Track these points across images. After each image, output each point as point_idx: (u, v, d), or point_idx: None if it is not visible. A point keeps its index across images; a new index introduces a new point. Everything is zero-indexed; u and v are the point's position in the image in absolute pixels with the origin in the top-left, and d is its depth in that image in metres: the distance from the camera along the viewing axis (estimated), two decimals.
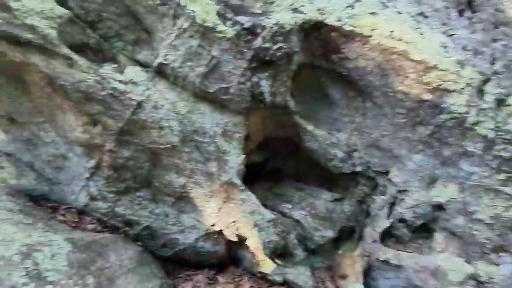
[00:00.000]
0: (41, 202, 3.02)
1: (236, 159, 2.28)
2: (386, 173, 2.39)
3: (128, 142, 2.27)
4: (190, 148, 2.26)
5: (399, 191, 2.32)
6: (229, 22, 2.03)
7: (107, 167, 2.48)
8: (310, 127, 2.33)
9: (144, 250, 2.89)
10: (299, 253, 2.58)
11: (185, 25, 1.95)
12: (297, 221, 2.63)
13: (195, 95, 2.15)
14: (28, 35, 1.86)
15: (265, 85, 2.12)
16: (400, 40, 2.06)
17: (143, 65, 2.13)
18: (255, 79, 2.10)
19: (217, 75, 2.06)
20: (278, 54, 2.07)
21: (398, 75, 2.09)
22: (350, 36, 2.09)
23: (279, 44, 2.06)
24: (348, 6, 2.12)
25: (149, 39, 2.10)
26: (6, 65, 2.08)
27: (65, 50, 1.90)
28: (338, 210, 2.68)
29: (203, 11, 1.98)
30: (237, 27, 2.02)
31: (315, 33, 2.15)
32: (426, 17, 2.20)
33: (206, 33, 1.98)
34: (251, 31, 2.03)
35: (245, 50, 2.03)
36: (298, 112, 2.32)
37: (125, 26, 2.09)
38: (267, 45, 2.04)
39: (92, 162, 2.49)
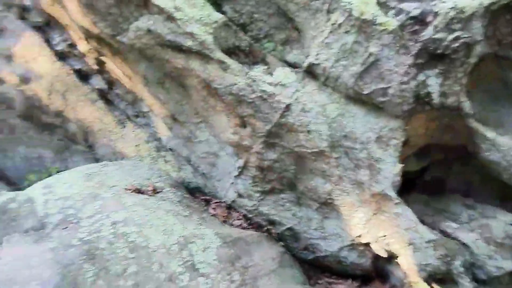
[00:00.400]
0: (196, 195, 3.30)
1: (391, 168, 2.01)
2: None
3: (275, 145, 2.23)
4: (338, 154, 2.09)
5: None
6: (391, 12, 1.76)
7: (253, 167, 2.51)
8: (490, 134, 1.88)
9: (285, 251, 2.86)
10: (466, 283, 2.15)
11: (340, 19, 1.78)
12: (464, 244, 2.19)
13: (348, 97, 1.96)
14: (189, 42, 1.96)
15: (433, 84, 1.78)
16: None
17: (293, 65, 2.05)
18: (421, 77, 1.78)
19: (374, 74, 1.83)
20: (454, 45, 1.70)
21: None
22: None
23: (456, 33, 1.68)
24: None
25: (299, 38, 1.99)
26: (170, 71, 2.26)
27: (219, 55, 1.95)
28: None
29: (361, 2, 1.76)
30: (402, 16, 1.74)
31: (507, 15, 1.69)
32: None
33: (363, 27, 1.77)
34: (420, 20, 1.72)
35: (411, 44, 1.74)
36: (474, 114, 1.89)
37: (275, 26, 2.03)
38: (439, 35, 1.70)
39: (240, 162, 2.56)
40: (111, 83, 3.25)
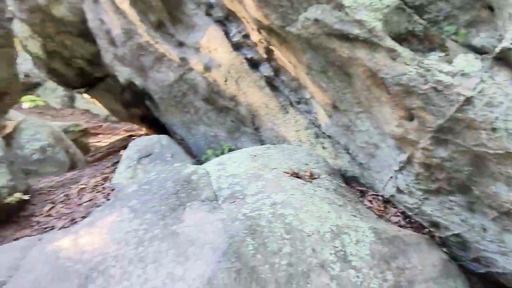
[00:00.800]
0: (352, 184, 3.24)
1: None
2: None
3: (447, 142, 1.97)
4: None
5: None
6: None
7: (418, 164, 2.29)
8: None
9: (449, 259, 2.56)
10: None
11: None
12: None
13: None
14: (356, 30, 1.89)
15: None
16: None
17: (479, 51, 1.74)
18: None
19: None
20: None
21: None
22: None
23: None
24: None
25: (490, 18, 1.67)
26: (334, 60, 2.23)
27: (389, 42, 1.81)
28: None
29: None
30: None
31: None
32: None
33: None
34: None
35: None
36: None
37: (459, 6, 1.76)
38: None
39: (403, 157, 2.37)
40: (277, 70, 3.43)
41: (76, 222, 3.59)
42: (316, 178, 2.95)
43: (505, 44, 1.58)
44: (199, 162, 4.24)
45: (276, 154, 3.14)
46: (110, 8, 4.00)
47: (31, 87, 11.77)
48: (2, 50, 5.38)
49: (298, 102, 3.38)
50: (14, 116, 7.66)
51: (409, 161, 2.34)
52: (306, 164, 3.07)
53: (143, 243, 2.37)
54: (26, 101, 9.04)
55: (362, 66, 2.00)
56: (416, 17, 1.82)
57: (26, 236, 3.49)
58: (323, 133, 3.31)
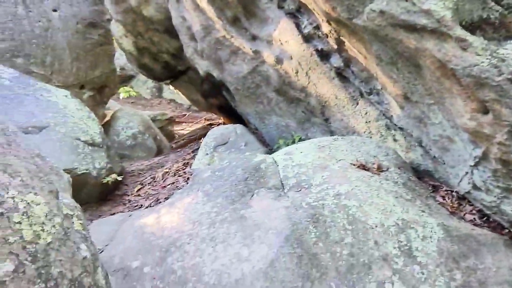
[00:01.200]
0: (425, 179, 3.12)
1: None
2: None
3: None
4: None
5: None
6: None
7: (495, 159, 2.14)
8: None
9: None
10: None
11: None
12: None
13: None
14: (424, 21, 1.83)
15: None
16: None
17: None
18: None
19: None
20: None
21: None
22: None
23: None
24: None
25: None
26: (402, 51, 2.18)
27: (459, 32, 1.73)
28: None
29: None
30: None
31: None
32: None
33: None
34: None
35: None
36: None
37: None
38: None
39: (478, 152, 2.24)
40: (348, 60, 3.40)
41: (160, 202, 4.01)
42: (385, 171, 2.91)
43: None
44: (272, 151, 4.40)
45: (344, 145, 3.15)
46: (191, 6, 4.31)
47: (126, 79, 13.06)
48: (103, 48, 6.11)
49: (369, 93, 3.32)
50: (112, 106, 8.63)
51: (485, 156, 2.21)
52: (375, 157, 3.04)
53: (215, 225, 2.61)
54: (122, 92, 10.10)
55: (431, 57, 1.94)
56: (491, 3, 1.70)
57: (120, 212, 4.01)
58: (395, 125, 3.22)
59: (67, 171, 3.98)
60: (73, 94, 4.95)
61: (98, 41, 5.79)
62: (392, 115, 3.20)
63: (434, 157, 2.92)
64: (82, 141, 4.23)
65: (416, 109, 2.78)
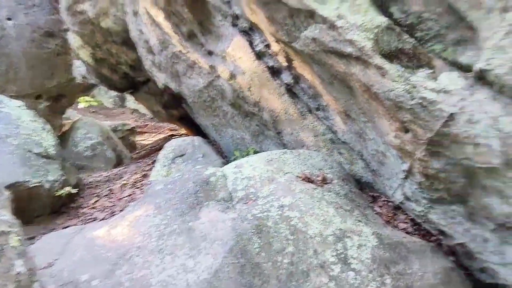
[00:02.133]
0: (366, 190, 3.33)
1: None
2: None
3: (439, 154, 2.05)
4: None
5: None
6: None
7: (418, 173, 2.37)
8: None
9: (455, 267, 2.59)
10: None
11: None
12: None
13: None
14: (349, 49, 2.02)
15: None
16: None
17: (465, 69, 1.81)
18: None
19: None
20: None
21: None
22: None
23: None
24: None
25: (474, 37, 1.74)
26: (335, 74, 2.37)
27: (378, 60, 1.93)
28: None
29: None
30: None
31: None
32: None
33: None
34: None
35: None
36: None
37: (446, 26, 1.83)
38: None
39: (405, 166, 2.46)
40: (297, 78, 3.59)
41: (114, 214, 4.01)
42: (329, 183, 3.09)
43: (480, 65, 1.64)
44: (228, 162, 4.51)
45: (291, 158, 3.31)
46: (148, 21, 4.38)
47: (88, 88, 12.80)
48: (60, 57, 6.04)
49: (317, 109, 3.52)
50: (72, 116, 8.46)
51: (410, 170, 2.43)
52: (320, 169, 3.22)
53: (163, 237, 2.68)
54: (82, 102, 9.93)
55: (358, 81, 2.13)
56: (405, 36, 1.92)
57: (73, 225, 3.98)
58: (339, 139, 3.43)
59: (18, 184, 3.91)
60: (29, 104, 4.87)
61: (54, 51, 5.72)
62: (337, 130, 3.40)
63: (373, 170, 3.15)
64: (35, 153, 4.17)
65: (356, 125, 2.99)
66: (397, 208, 3.02)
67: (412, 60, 1.91)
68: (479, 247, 2.39)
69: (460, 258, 2.70)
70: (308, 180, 3.07)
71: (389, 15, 1.98)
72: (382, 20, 1.92)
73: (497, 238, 2.23)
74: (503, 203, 1.95)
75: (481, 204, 2.10)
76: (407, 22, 1.95)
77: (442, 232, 2.69)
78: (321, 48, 2.16)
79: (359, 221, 2.73)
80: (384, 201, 3.12)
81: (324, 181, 3.10)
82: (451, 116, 1.79)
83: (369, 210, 2.99)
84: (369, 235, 2.61)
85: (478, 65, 1.64)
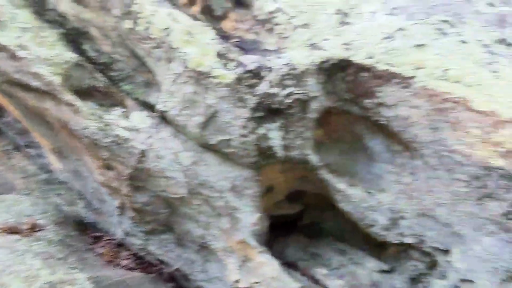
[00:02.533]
0: (88, 231, 3.13)
1: (249, 217, 1.96)
2: (446, 251, 1.79)
3: (142, 188, 2.14)
4: (199, 201, 2.02)
5: (462, 280, 1.70)
6: (232, 64, 1.74)
7: (129, 208, 2.40)
8: (341, 185, 1.87)
9: None
10: None
11: (179, 69, 1.73)
12: None
13: (202, 145, 1.90)
14: (36, 82, 1.85)
15: (275, 138, 1.76)
16: (457, 82, 1.48)
17: (153, 109, 1.98)
18: (261, 130, 1.75)
19: (216, 126, 1.78)
20: (288, 101, 1.69)
21: (454, 130, 1.52)
22: (385, 77, 1.59)
23: (290, 89, 1.68)
24: (385, 38, 1.63)
25: (155, 81, 1.93)
26: (30, 108, 2.13)
27: (68, 97, 1.85)
28: (386, 285, 2.13)
29: (199, 54, 1.72)
30: (240, 69, 1.71)
31: (340, 73, 1.70)
32: (510, 45, 1.56)
33: (200, 78, 1.73)
34: (256, 74, 1.70)
35: (248, 97, 1.71)
36: (326, 166, 1.88)
37: (135, 68, 1.96)
38: (274, 90, 1.68)
39: (117, 202, 2.44)
40: (1, 111, 3.06)
41: None
42: (39, 230, 2.71)
43: (159, 106, 1.84)
44: None
45: None
46: None
47: None
48: None
49: (27, 146, 3.08)
50: None
51: (122, 206, 2.43)
52: (29, 216, 2.79)
53: None
54: None
55: (54, 117, 1.98)
56: (98, 74, 1.93)
57: None
58: (57, 178, 3.11)
59: None
60: None
61: None
62: (53, 169, 3.07)
63: (95, 208, 2.99)
64: None
65: (70, 164, 2.78)
66: (120, 245, 2.96)
67: (105, 98, 1.94)
68: (190, 269, 2.62)
69: (180, 282, 2.87)
70: (12, 231, 2.60)
71: (82, 52, 1.95)
72: (72, 56, 1.87)
73: (200, 258, 2.50)
74: (197, 226, 2.22)
75: (184, 230, 2.31)
76: (101, 61, 1.97)
77: (161, 261, 2.80)
78: (4, 78, 1.89)
79: (74, 268, 2.50)
80: (107, 240, 3.00)
81: (33, 228, 2.70)
82: (143, 153, 1.90)
83: (89, 253, 2.80)
84: (84, 282, 2.42)
85: (158, 106, 1.81)
